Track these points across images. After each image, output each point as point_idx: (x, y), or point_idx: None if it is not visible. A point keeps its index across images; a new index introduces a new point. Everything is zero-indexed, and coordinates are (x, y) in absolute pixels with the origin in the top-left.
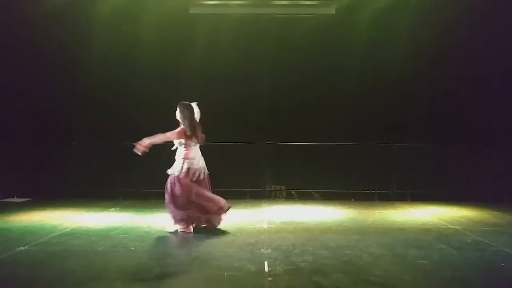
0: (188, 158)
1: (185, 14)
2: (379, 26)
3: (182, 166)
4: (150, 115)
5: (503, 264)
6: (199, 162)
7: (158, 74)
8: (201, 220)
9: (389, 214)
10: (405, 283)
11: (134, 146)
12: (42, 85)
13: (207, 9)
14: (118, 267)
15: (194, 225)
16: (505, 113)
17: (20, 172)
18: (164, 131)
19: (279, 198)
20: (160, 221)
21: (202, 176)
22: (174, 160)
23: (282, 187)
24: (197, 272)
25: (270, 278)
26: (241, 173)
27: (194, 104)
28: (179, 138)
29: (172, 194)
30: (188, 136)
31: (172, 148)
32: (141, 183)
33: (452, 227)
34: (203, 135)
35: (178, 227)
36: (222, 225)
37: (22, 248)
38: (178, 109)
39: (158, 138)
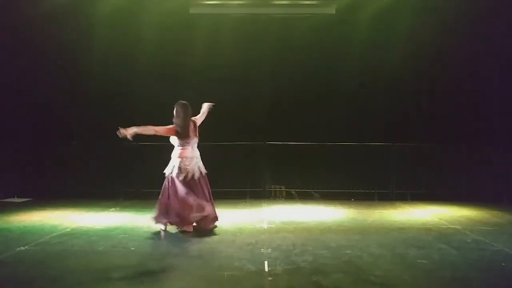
0: (181, 157)
1: (185, 14)
2: (379, 26)
3: (174, 165)
4: (150, 115)
5: (503, 264)
6: (192, 162)
7: (158, 74)
8: (178, 223)
9: (389, 214)
10: (405, 283)
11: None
12: (42, 85)
13: (207, 9)
14: (118, 267)
15: (179, 228)
16: (505, 113)
17: (20, 172)
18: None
19: (279, 198)
20: None
21: (196, 176)
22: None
23: (282, 187)
24: (197, 272)
25: (270, 278)
26: (241, 173)
27: (205, 105)
28: (168, 134)
29: (163, 192)
30: (178, 134)
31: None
32: (141, 183)
33: (452, 226)
34: (195, 136)
35: (160, 225)
36: (222, 225)
37: (22, 248)
38: (174, 108)
39: (147, 129)
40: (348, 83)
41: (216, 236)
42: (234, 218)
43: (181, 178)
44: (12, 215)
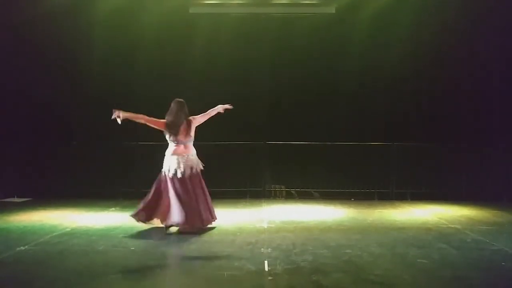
0: (173, 154)
1: (185, 14)
2: (379, 25)
3: (169, 165)
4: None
5: (503, 263)
6: (185, 158)
7: (158, 74)
8: (161, 221)
9: (389, 214)
10: (405, 282)
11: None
12: (42, 85)
13: (207, 8)
14: (118, 267)
15: (164, 224)
16: (505, 113)
17: (20, 172)
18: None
19: (279, 197)
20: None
21: (187, 174)
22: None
23: (282, 186)
24: (197, 272)
25: (270, 278)
26: (241, 173)
27: (218, 106)
28: (157, 126)
29: (155, 190)
30: (168, 130)
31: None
32: (141, 183)
33: (452, 226)
34: (188, 136)
35: (140, 219)
36: (222, 225)
37: (22, 247)
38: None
39: (139, 117)
40: (348, 83)
41: (216, 236)
42: (234, 218)
43: (176, 175)
44: (12, 215)
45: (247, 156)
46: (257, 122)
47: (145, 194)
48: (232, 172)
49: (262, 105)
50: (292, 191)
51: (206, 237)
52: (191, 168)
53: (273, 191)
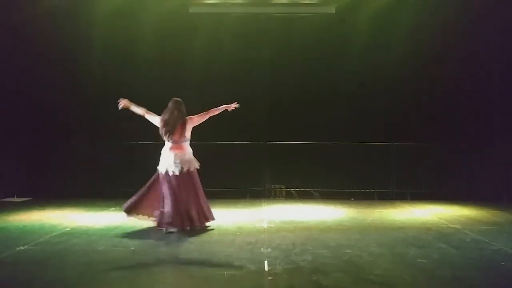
0: (167, 153)
1: (185, 14)
2: (379, 25)
3: (165, 164)
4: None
5: (502, 263)
6: (174, 160)
7: (158, 74)
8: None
9: (389, 213)
10: (405, 282)
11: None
12: (42, 85)
13: (207, 8)
14: (118, 267)
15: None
16: (505, 113)
17: (19, 171)
18: None
19: (279, 197)
20: None
21: (179, 173)
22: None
23: (282, 186)
24: (197, 272)
25: (270, 277)
26: (241, 173)
27: (222, 107)
28: (154, 122)
29: (149, 187)
30: (162, 128)
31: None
32: (141, 183)
33: (452, 226)
34: (182, 136)
35: (126, 209)
36: (221, 225)
37: (21, 247)
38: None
39: (140, 110)
40: (348, 83)
41: (216, 236)
42: (234, 218)
43: (168, 174)
44: (11, 215)
45: (247, 156)
46: (257, 122)
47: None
48: (232, 172)
49: (262, 105)
50: (292, 191)
51: (206, 237)
52: (184, 168)
53: (273, 191)
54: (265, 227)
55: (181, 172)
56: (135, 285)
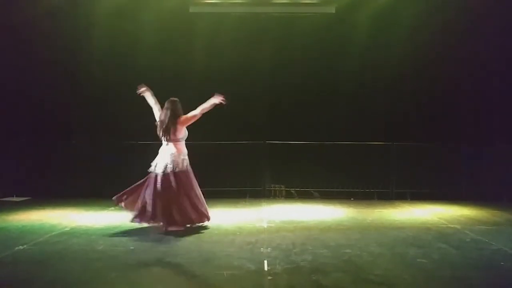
0: (161, 152)
1: (185, 13)
2: (379, 25)
3: (162, 162)
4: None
5: (502, 263)
6: (167, 159)
7: (158, 74)
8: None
9: (389, 213)
10: (405, 282)
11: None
12: (42, 85)
13: (207, 8)
14: (118, 267)
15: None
16: (505, 113)
17: (19, 171)
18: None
19: (278, 197)
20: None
21: (172, 173)
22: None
23: (282, 186)
24: (197, 271)
25: (269, 277)
26: (241, 172)
27: (213, 99)
28: (156, 117)
29: (144, 185)
30: (158, 127)
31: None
32: None
33: (452, 226)
34: (175, 135)
35: (134, 218)
36: (221, 224)
37: (21, 247)
38: None
39: (153, 100)
40: (348, 83)
41: (216, 236)
42: (234, 218)
43: (159, 172)
44: (11, 214)
45: (247, 156)
46: (257, 122)
47: None
48: (232, 172)
49: (262, 105)
50: (292, 191)
51: (206, 237)
52: (177, 167)
53: (273, 191)
54: (265, 227)
55: (169, 171)
56: (135, 285)
